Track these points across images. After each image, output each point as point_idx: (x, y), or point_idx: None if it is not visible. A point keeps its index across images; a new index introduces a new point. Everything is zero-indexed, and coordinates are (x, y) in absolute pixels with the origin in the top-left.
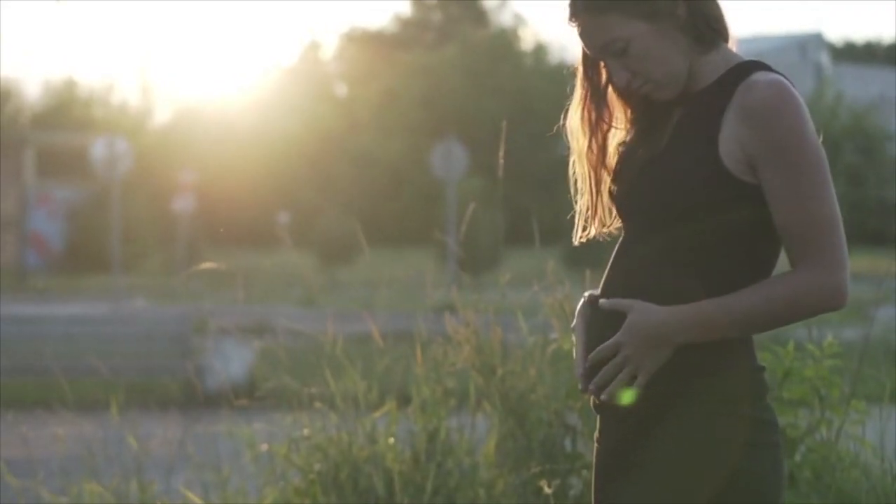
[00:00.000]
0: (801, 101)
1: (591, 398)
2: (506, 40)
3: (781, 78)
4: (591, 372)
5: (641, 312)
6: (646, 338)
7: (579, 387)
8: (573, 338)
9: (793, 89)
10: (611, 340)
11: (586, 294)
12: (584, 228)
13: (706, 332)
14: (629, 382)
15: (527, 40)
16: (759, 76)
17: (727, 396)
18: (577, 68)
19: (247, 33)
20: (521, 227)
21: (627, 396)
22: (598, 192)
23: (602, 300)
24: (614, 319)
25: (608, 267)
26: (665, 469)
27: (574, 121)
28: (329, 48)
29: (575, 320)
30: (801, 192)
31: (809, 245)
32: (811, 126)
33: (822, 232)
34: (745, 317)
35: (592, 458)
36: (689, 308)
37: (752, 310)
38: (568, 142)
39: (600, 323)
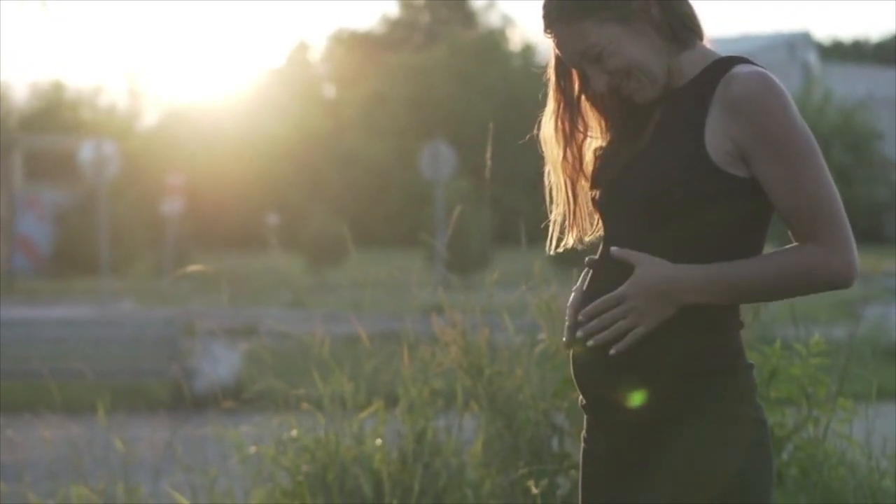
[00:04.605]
0: (784, 89)
1: (580, 399)
2: (494, 41)
3: (762, 69)
4: (582, 324)
5: (651, 266)
6: (653, 291)
7: (563, 339)
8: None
9: (775, 79)
10: (616, 291)
11: (587, 259)
12: (560, 239)
13: (714, 294)
14: (625, 333)
15: (515, 41)
16: (741, 69)
17: (730, 398)
18: (548, 78)
19: (235, 35)
20: (510, 227)
21: (637, 398)
22: (576, 200)
23: (613, 248)
24: (615, 278)
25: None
26: (674, 473)
27: (548, 131)
28: (317, 49)
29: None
30: (801, 178)
31: (818, 228)
32: (797, 113)
33: (828, 214)
34: (755, 282)
35: (579, 457)
36: (700, 268)
37: (763, 276)
38: (542, 152)
39: (601, 281)
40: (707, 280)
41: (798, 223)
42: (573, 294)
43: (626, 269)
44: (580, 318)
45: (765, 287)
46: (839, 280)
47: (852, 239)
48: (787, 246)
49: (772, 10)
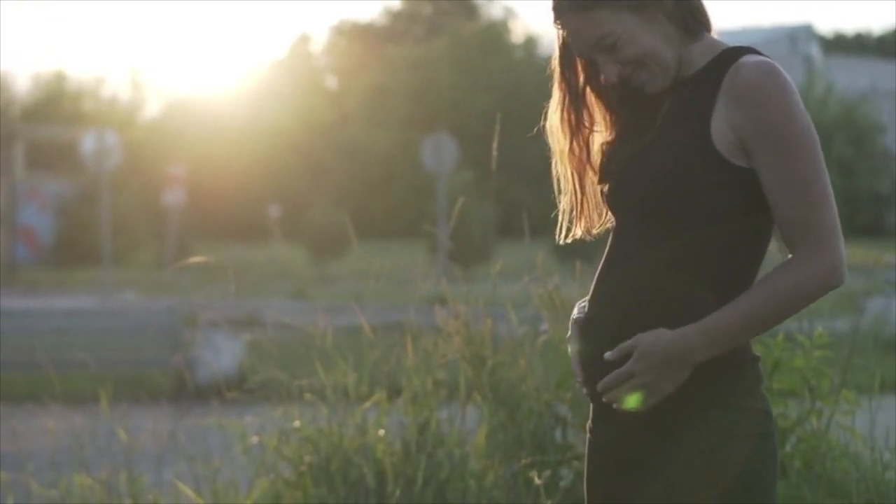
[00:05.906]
0: (791, 82)
1: (583, 389)
2: (496, 33)
3: (770, 60)
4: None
5: (651, 341)
6: (660, 364)
7: (584, 391)
8: (569, 348)
9: (782, 71)
10: (623, 369)
11: (575, 313)
12: (569, 229)
13: (721, 343)
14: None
15: (517, 33)
16: (748, 59)
17: (736, 389)
18: (553, 70)
19: (237, 27)
20: (513, 219)
21: (633, 401)
22: (584, 192)
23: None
24: (613, 336)
25: (602, 262)
26: (680, 464)
27: (553, 122)
28: (319, 41)
29: (570, 332)
30: (795, 173)
31: (804, 226)
32: (801, 106)
33: (816, 212)
34: (754, 319)
35: (585, 448)
36: (698, 326)
37: (760, 311)
38: (549, 142)
39: (597, 337)
40: (705, 333)
41: (786, 218)
42: (570, 346)
43: (617, 324)
44: (599, 389)
45: (767, 319)
46: (829, 285)
47: (840, 237)
48: (775, 268)
49: (774, 3)
